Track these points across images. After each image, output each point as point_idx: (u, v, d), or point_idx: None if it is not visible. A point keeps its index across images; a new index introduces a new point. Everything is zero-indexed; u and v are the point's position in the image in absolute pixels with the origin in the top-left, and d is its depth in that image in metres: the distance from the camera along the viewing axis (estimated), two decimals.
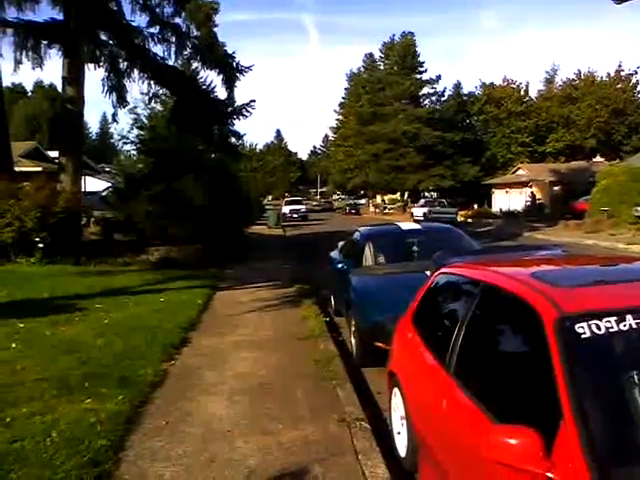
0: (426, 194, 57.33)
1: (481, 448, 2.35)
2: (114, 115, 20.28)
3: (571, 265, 4.01)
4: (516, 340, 3.05)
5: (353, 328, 7.22)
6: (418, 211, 40.97)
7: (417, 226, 9.83)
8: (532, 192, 46.60)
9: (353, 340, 7.23)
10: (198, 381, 5.96)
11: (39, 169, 25.60)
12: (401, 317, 4.77)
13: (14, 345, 6.94)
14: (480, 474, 2.63)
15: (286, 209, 45.04)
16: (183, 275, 13.11)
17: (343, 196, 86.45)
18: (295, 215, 44.12)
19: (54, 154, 30.92)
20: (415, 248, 8.07)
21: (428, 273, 5.77)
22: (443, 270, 4.24)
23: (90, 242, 17.79)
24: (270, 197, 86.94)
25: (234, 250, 17.89)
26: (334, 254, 10.31)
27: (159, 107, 20.59)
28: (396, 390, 4.40)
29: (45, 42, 17.47)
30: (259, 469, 3.98)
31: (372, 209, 61.41)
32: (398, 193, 63.84)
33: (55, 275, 12.81)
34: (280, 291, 11.37)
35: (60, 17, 17.44)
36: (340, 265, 9.03)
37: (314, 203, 75.21)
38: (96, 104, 34.90)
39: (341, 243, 10.55)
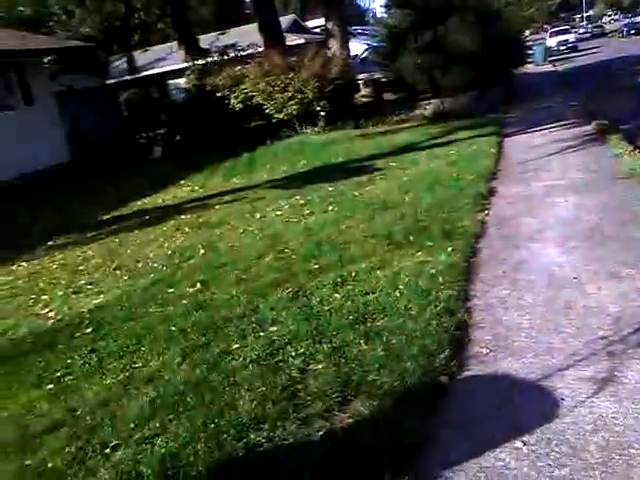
0: None
1: None
2: None
3: None
4: None
5: None
6: None
7: None
8: None
9: None
10: (519, 229, 5.72)
11: (302, 41, 26.47)
12: None
13: (331, 207, 7.42)
14: None
15: (552, 41, 40.51)
16: (462, 125, 12.68)
17: (615, 17, 75.12)
18: (563, 47, 39.56)
19: (310, 24, 31.74)
20: None
21: None
22: None
23: (362, 105, 18.21)
24: (528, 32, 79.13)
25: (507, 93, 16.77)
26: None
27: None
28: None
29: None
30: (625, 316, 3.68)
31: None
32: None
33: (340, 140, 13.38)
34: (575, 130, 10.37)
35: None
36: None
37: (581, 31, 66.46)
38: None
39: None
